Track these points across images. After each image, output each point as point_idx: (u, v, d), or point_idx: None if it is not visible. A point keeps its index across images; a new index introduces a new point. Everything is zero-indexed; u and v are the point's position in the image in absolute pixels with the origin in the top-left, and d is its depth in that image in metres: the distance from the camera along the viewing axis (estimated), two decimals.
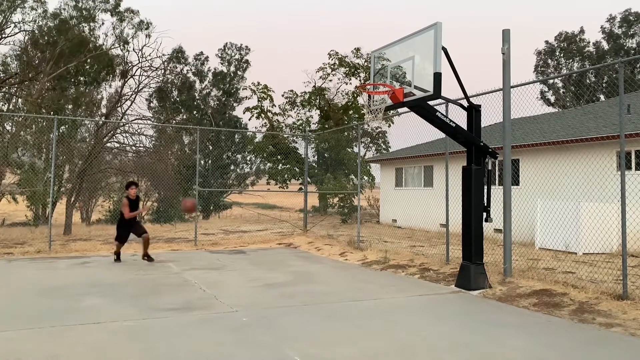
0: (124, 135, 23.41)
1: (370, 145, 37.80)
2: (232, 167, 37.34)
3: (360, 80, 31.82)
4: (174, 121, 32.61)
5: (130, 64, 26.17)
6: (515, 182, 15.06)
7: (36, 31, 23.63)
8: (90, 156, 20.27)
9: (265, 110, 33.62)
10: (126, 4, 35.68)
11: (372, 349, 4.59)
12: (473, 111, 7.74)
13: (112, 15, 25.45)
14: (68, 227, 18.03)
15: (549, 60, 39.03)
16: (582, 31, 38.28)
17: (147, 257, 9.95)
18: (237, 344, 4.68)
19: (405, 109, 8.07)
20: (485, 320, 5.73)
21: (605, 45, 37.08)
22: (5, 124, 21.60)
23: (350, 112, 32.92)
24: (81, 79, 25.51)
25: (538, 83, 34.57)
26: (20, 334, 4.89)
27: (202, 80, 37.31)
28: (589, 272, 8.37)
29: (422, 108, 7.25)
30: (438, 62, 6.68)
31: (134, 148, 23.93)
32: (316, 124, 34.04)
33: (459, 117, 7.74)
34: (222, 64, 38.37)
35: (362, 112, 28.03)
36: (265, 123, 33.75)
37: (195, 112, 36.11)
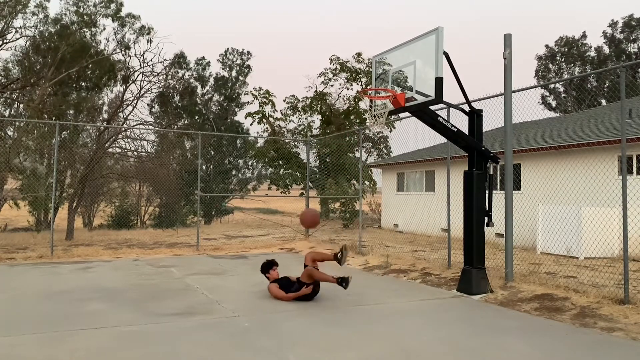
0: (125, 140, 23.39)
1: (372, 150, 37.81)
2: (233, 172, 37.36)
3: (361, 85, 31.84)
4: (176, 126, 32.62)
5: (131, 69, 26.18)
6: (517, 186, 15.05)
7: (37, 36, 23.66)
8: (92, 161, 20.28)
9: (267, 115, 33.65)
10: (127, 9, 35.68)
11: (373, 354, 4.59)
12: (474, 116, 7.75)
13: (113, 20, 25.45)
14: (70, 233, 18.02)
15: (550, 65, 39.07)
16: (583, 36, 38.33)
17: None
18: (238, 349, 4.68)
19: (406, 113, 8.09)
20: (487, 324, 5.73)
21: (606, 49, 37.11)
22: (7, 130, 21.64)
23: (352, 117, 32.92)
24: (83, 84, 25.53)
25: (539, 87, 34.55)
26: (22, 339, 4.90)
27: (204, 85, 37.37)
28: (591, 277, 8.36)
29: (424, 113, 7.27)
30: (439, 67, 6.70)
31: (135, 153, 23.92)
32: (318, 129, 34.05)
33: (461, 122, 7.77)
34: (223, 69, 38.46)
35: (364, 117, 28.11)
36: (266, 128, 33.80)
37: (197, 117, 36.16)
